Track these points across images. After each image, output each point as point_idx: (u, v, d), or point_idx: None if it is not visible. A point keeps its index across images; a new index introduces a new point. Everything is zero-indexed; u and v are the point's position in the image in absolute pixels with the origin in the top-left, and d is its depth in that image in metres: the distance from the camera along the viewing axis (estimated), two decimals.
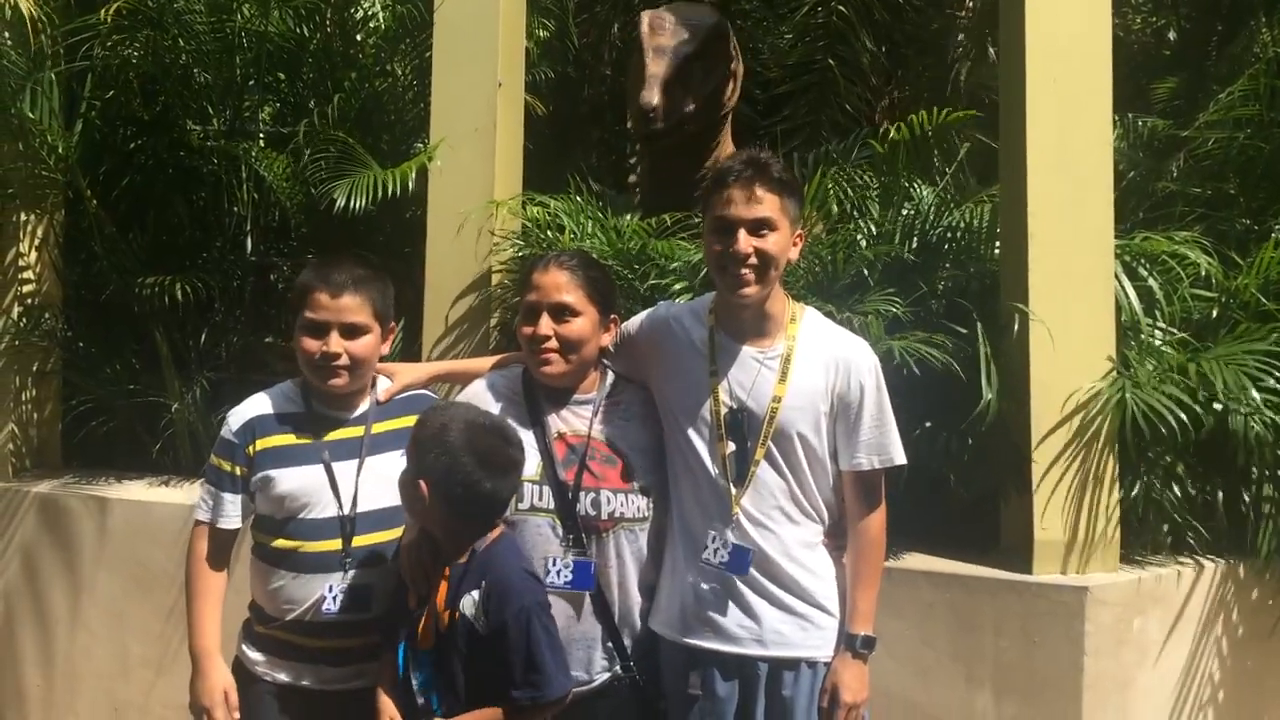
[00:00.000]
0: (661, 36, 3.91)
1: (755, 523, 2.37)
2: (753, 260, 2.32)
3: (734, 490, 2.37)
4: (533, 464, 2.39)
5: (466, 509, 2.21)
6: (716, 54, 3.99)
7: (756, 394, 2.38)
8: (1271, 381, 3.20)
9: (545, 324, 2.41)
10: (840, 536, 2.46)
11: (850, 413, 2.39)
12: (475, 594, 2.19)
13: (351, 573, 2.41)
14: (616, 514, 2.41)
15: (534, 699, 2.18)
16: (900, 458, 2.43)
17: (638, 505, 2.43)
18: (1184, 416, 3.09)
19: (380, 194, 3.89)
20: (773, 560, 2.37)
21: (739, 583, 2.37)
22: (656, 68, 3.82)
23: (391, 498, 2.42)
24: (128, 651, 4.09)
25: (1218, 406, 3.21)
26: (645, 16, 4.02)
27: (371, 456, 2.48)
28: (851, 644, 2.39)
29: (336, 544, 2.42)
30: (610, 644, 2.42)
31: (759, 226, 2.33)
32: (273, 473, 2.45)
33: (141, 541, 4.07)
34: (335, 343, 2.44)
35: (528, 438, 2.40)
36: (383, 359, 2.66)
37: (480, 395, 2.52)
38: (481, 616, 2.18)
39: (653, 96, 3.75)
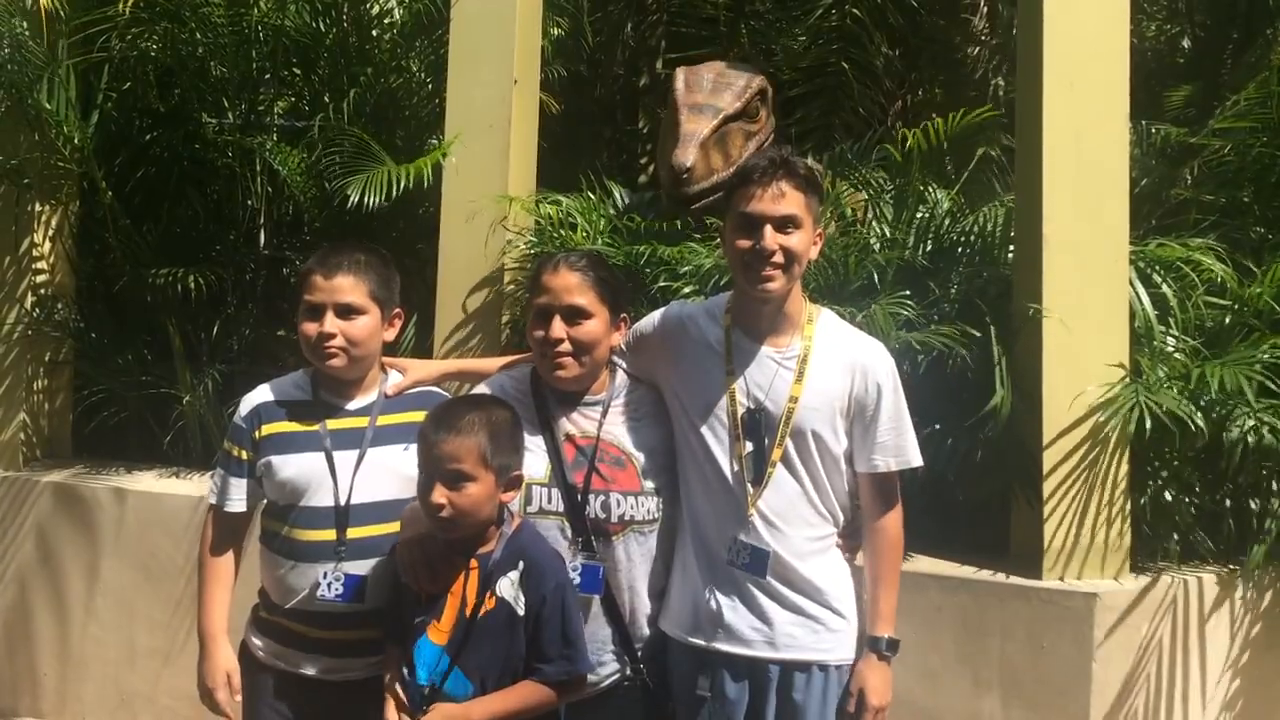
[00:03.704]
0: (698, 94, 3.68)
1: (770, 524, 2.36)
2: (778, 258, 2.31)
3: (751, 491, 2.36)
4: (542, 466, 2.38)
5: (519, 456, 2.30)
6: (759, 115, 3.76)
7: (774, 394, 2.37)
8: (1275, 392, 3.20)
9: (558, 327, 2.38)
10: (854, 538, 2.46)
11: (867, 415, 2.39)
12: (513, 575, 2.21)
13: (346, 563, 2.41)
14: (626, 517, 2.39)
15: (569, 673, 2.22)
16: (917, 459, 2.42)
17: (647, 508, 2.42)
18: (1197, 419, 3.08)
19: (394, 190, 3.89)
20: (786, 562, 2.36)
21: (751, 585, 2.36)
22: (693, 125, 3.57)
23: (390, 490, 2.44)
24: (136, 641, 4.11)
25: (1224, 415, 3.21)
26: (680, 73, 3.80)
27: (374, 448, 2.48)
28: (876, 646, 2.38)
29: (331, 533, 2.43)
30: (619, 646, 2.41)
31: (785, 224, 2.32)
32: (275, 459, 2.47)
33: (151, 532, 4.08)
34: (329, 323, 2.44)
35: (536, 441, 2.40)
36: (393, 350, 2.66)
37: None
38: (521, 595, 2.20)
39: (688, 156, 3.51)
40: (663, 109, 4.15)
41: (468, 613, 2.22)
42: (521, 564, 2.22)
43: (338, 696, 2.44)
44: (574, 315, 2.38)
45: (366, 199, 3.87)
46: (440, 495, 2.17)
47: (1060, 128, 3.27)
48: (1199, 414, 3.13)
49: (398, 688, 2.27)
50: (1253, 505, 3.45)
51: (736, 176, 2.41)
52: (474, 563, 2.24)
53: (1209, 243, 3.62)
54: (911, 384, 2.83)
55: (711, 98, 3.65)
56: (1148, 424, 3.08)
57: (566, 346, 2.38)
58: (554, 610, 2.21)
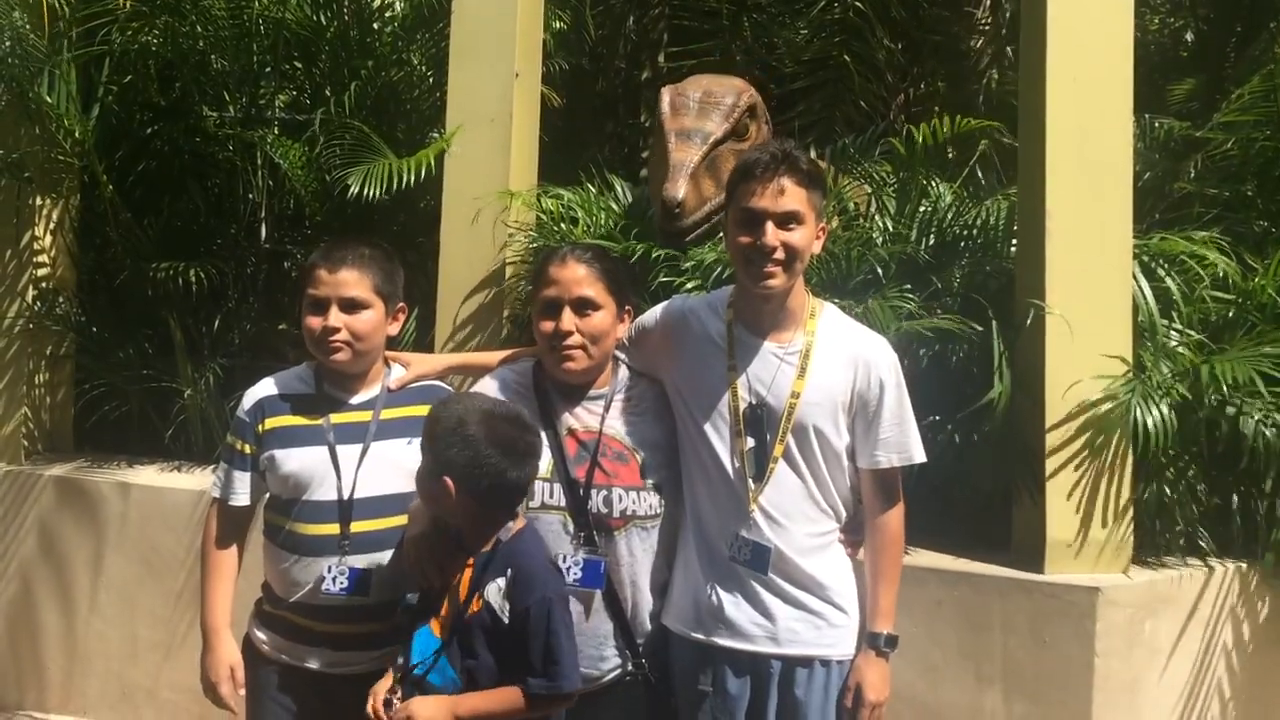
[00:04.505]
0: (685, 118, 3.50)
1: (771, 520, 2.35)
2: (779, 254, 2.30)
3: (752, 486, 2.36)
4: (544, 461, 2.37)
5: (493, 499, 2.21)
6: (748, 132, 3.60)
7: (775, 389, 2.36)
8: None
9: (568, 319, 2.37)
10: (855, 533, 2.45)
11: (869, 410, 2.38)
12: (501, 581, 2.19)
13: (350, 557, 2.42)
14: (628, 512, 2.39)
15: (550, 689, 2.18)
16: (920, 455, 2.42)
17: (650, 503, 2.42)
18: (1195, 419, 3.09)
19: (395, 183, 3.89)
20: (788, 558, 2.35)
21: (753, 580, 2.36)
22: (682, 154, 3.40)
23: (394, 485, 2.44)
24: (138, 635, 4.11)
25: (1230, 410, 3.21)
26: (665, 94, 3.62)
27: (377, 442, 2.48)
28: (875, 643, 2.38)
29: (334, 528, 2.43)
30: (621, 641, 2.41)
31: (786, 220, 2.31)
32: (278, 452, 2.47)
33: (153, 526, 4.09)
34: (334, 317, 2.44)
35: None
36: (396, 344, 2.65)
37: (491, 391, 2.50)
38: (505, 604, 2.18)
39: (678, 190, 3.33)
40: None
41: (461, 611, 2.21)
42: (510, 571, 2.20)
43: (342, 690, 2.44)
44: (583, 307, 2.38)
45: (367, 190, 3.86)
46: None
47: (1064, 121, 3.26)
48: (1208, 408, 3.12)
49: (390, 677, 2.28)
50: (1259, 501, 3.44)
51: (738, 172, 2.40)
52: (472, 560, 2.24)
53: (1212, 236, 3.61)
54: (914, 378, 2.83)
55: (699, 121, 3.49)
56: (1149, 424, 3.07)
57: (577, 339, 2.38)
58: (538, 624, 2.17)
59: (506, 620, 2.18)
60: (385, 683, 2.26)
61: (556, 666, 2.18)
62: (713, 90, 3.58)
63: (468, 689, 2.19)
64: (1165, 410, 3.10)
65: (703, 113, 3.50)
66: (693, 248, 3.47)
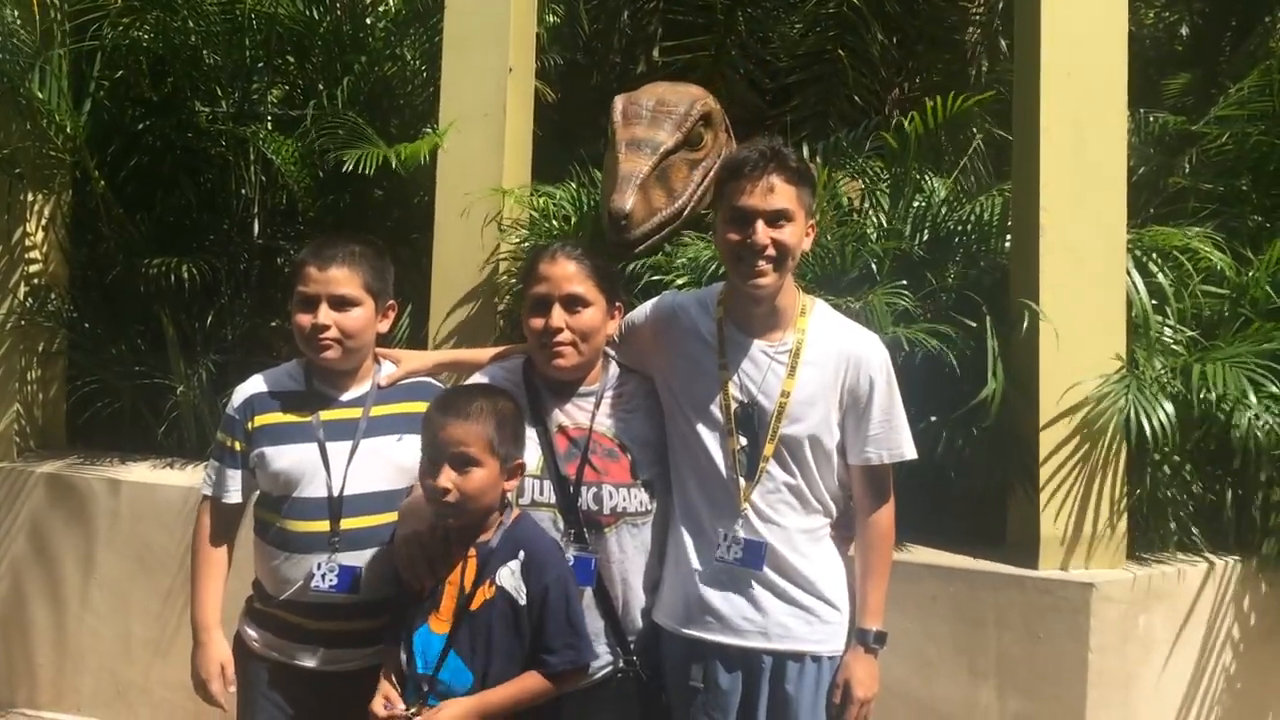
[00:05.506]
0: (637, 126, 3.41)
1: (763, 517, 2.35)
2: (770, 251, 2.29)
3: (744, 484, 2.35)
4: (534, 458, 2.37)
5: (521, 446, 2.29)
6: (702, 142, 3.49)
7: (766, 388, 2.36)
8: (1273, 386, 3.19)
9: (558, 316, 2.36)
10: (846, 528, 2.45)
11: (859, 407, 2.37)
12: (514, 564, 2.22)
13: (340, 554, 2.41)
14: (619, 509, 2.38)
15: (573, 662, 2.23)
16: (910, 452, 2.41)
17: (640, 499, 2.41)
18: (1188, 415, 3.09)
19: (389, 177, 3.87)
20: (779, 554, 2.35)
21: (745, 575, 2.35)
22: (630, 165, 3.31)
23: (384, 481, 2.44)
24: (131, 632, 4.10)
25: (1222, 410, 3.20)
26: (619, 102, 3.53)
27: (367, 439, 2.47)
28: (864, 639, 2.38)
29: (324, 524, 2.42)
30: (612, 638, 2.40)
31: (776, 218, 2.30)
32: (268, 450, 2.46)
33: (146, 523, 4.08)
34: (324, 314, 2.43)
35: (529, 433, 2.38)
36: (386, 339, 2.64)
37: None
38: (522, 585, 2.20)
39: (625, 201, 3.24)
40: None
41: (469, 603, 2.21)
42: (522, 554, 2.22)
43: (334, 687, 2.43)
44: (573, 303, 2.38)
45: (363, 167, 3.84)
46: (447, 479, 2.17)
47: (1058, 116, 3.25)
48: (1200, 408, 3.11)
49: (393, 678, 2.26)
50: (1252, 496, 3.44)
51: (727, 170, 2.39)
52: (472, 551, 2.24)
53: (1206, 231, 3.60)
54: (909, 374, 2.82)
55: (650, 130, 3.40)
56: (1144, 424, 3.07)
57: (567, 335, 2.37)
58: (558, 599, 2.21)
59: (523, 601, 2.20)
60: (384, 690, 2.25)
61: (578, 638, 2.24)
62: (666, 99, 3.51)
63: (478, 682, 2.19)
64: (1158, 406, 3.09)
65: (655, 122, 3.43)
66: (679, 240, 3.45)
